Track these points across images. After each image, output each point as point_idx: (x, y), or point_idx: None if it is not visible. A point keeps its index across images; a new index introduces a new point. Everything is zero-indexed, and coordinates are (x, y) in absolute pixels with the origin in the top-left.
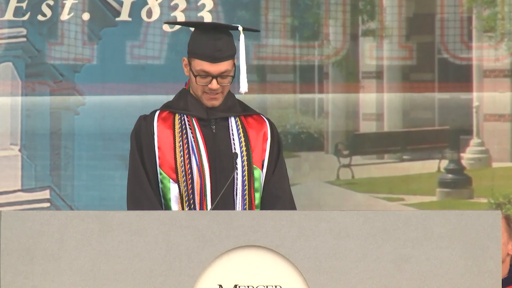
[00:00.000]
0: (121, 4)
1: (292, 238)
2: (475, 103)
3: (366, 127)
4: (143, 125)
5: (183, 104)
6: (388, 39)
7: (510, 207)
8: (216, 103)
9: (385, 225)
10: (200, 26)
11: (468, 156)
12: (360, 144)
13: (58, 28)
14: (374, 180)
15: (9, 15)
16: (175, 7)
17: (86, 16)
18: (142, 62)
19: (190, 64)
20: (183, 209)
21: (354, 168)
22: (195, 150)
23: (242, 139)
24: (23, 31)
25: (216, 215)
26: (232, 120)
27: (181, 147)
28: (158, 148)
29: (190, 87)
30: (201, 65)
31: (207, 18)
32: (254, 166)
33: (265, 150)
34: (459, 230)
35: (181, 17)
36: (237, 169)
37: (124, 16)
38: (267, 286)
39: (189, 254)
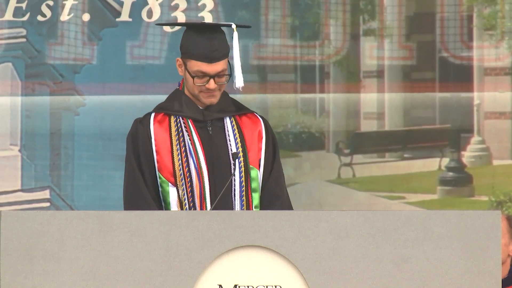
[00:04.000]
0: (121, 4)
1: (292, 238)
2: (475, 101)
3: (367, 126)
4: (140, 129)
5: (178, 105)
6: (389, 39)
7: (511, 205)
8: (214, 100)
9: (385, 225)
10: (193, 26)
11: (468, 154)
12: (361, 143)
13: (58, 29)
14: (375, 179)
15: (8, 16)
16: (176, 7)
17: (86, 17)
18: (142, 62)
19: (185, 64)
20: None
21: (355, 167)
22: (193, 153)
23: (238, 139)
24: (23, 31)
25: (216, 215)
26: (227, 121)
27: (179, 151)
28: (157, 152)
29: (185, 87)
30: (198, 66)
31: (208, 18)
32: (251, 166)
33: (261, 149)
34: (459, 230)
35: (181, 17)
36: (236, 169)
37: (125, 16)
38: (267, 286)
39: (189, 254)
